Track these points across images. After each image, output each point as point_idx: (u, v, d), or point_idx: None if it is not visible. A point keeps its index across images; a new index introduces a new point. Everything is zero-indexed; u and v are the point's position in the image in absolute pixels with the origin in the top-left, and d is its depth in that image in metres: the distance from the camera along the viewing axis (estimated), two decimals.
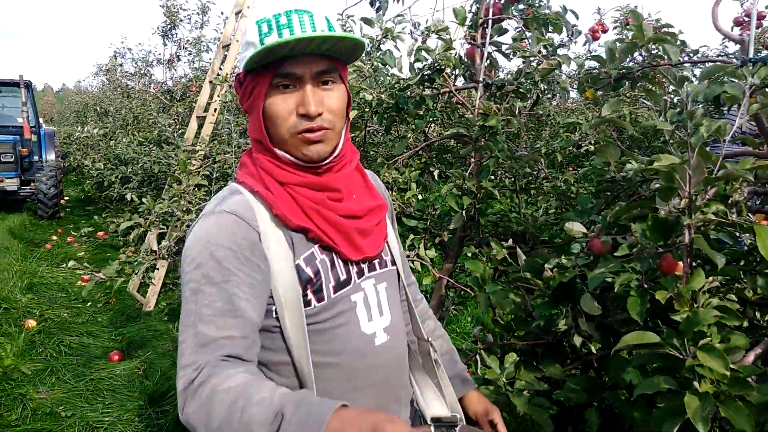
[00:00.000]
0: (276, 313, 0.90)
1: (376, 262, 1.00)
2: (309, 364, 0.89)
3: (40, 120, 9.86)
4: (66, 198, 9.90)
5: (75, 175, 12.57)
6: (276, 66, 0.86)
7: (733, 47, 4.06)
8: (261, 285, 0.87)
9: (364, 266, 0.98)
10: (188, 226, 2.72)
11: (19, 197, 8.31)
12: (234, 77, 1.11)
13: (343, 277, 0.94)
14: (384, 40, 2.15)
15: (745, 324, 1.19)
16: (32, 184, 8.29)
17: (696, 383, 0.97)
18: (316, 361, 0.91)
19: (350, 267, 0.96)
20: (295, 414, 0.70)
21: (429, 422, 1.01)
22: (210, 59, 7.59)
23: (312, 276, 0.90)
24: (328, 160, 0.92)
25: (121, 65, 8.85)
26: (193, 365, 0.79)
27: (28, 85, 8.91)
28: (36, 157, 8.90)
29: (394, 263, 1.05)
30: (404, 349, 1.05)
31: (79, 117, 13.38)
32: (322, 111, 0.88)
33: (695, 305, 1.02)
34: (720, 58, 1.60)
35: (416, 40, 2.31)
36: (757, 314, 1.31)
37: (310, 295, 0.90)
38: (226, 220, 0.88)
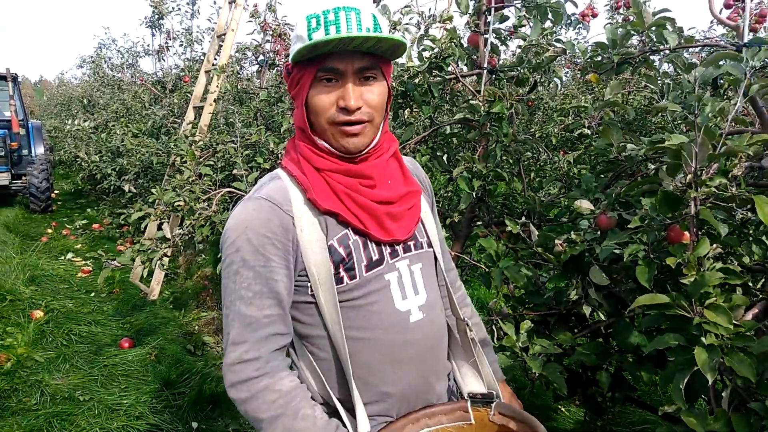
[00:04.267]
0: (311, 290, 0.98)
1: (411, 243, 1.06)
2: (343, 338, 0.96)
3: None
4: (57, 191, 9.83)
5: (63, 168, 12.47)
6: (321, 60, 0.93)
7: (720, 30, 4.19)
8: (292, 266, 0.96)
9: (398, 247, 1.04)
10: (199, 214, 2.79)
11: (11, 192, 8.25)
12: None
13: (375, 257, 1.01)
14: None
15: (740, 291, 1.30)
16: (23, 178, 8.22)
17: (703, 338, 1.08)
18: (353, 336, 0.98)
19: (383, 248, 1.02)
20: None
21: (466, 397, 1.07)
22: (202, 49, 7.57)
23: (344, 256, 0.98)
24: (364, 152, 0.99)
25: (109, 59, 8.76)
26: (244, 347, 0.92)
27: (15, 78, 8.80)
28: (25, 151, 8.82)
29: (431, 245, 1.11)
30: (442, 326, 1.10)
31: (65, 109, 13.21)
32: (361, 105, 0.94)
33: (701, 269, 1.13)
34: (719, 42, 1.70)
35: (419, 28, 2.39)
36: (751, 283, 1.43)
37: (343, 273, 0.98)
38: (262, 206, 0.96)
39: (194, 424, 2.69)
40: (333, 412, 1.00)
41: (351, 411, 0.98)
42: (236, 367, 0.92)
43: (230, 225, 0.96)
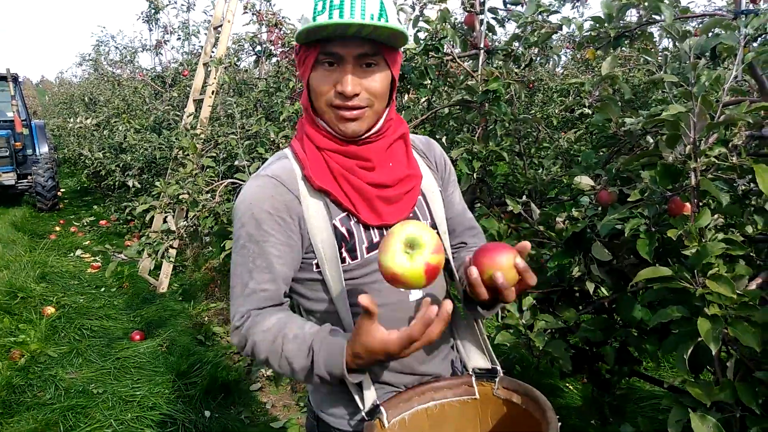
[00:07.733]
0: (317, 267, 1.00)
1: None
2: (348, 313, 0.99)
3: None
4: (63, 189, 9.90)
5: (68, 166, 12.52)
6: (323, 43, 0.92)
7: (721, 1, 4.13)
8: (295, 243, 0.99)
9: None
10: (203, 206, 2.80)
11: (17, 191, 8.32)
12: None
13: (376, 239, 1.02)
14: None
15: (743, 261, 1.30)
16: (29, 177, 8.30)
17: (706, 309, 1.08)
18: (356, 312, 1.00)
19: (384, 230, 1.02)
20: (321, 348, 0.90)
21: (470, 372, 1.08)
22: (200, 42, 7.54)
23: (346, 236, 0.99)
24: (363, 137, 0.99)
25: (108, 53, 8.76)
26: (241, 311, 0.98)
27: (16, 79, 8.82)
28: (29, 151, 8.88)
29: (434, 227, 1.10)
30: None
31: (67, 108, 13.24)
32: (359, 92, 0.93)
33: (703, 240, 1.13)
34: (714, 11, 1.68)
35: (414, 9, 2.37)
36: (754, 253, 1.42)
37: (345, 254, 0.99)
38: (267, 184, 0.98)
39: (207, 413, 2.73)
40: (340, 384, 1.02)
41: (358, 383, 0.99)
42: (237, 323, 0.98)
43: (238, 202, 1.01)
